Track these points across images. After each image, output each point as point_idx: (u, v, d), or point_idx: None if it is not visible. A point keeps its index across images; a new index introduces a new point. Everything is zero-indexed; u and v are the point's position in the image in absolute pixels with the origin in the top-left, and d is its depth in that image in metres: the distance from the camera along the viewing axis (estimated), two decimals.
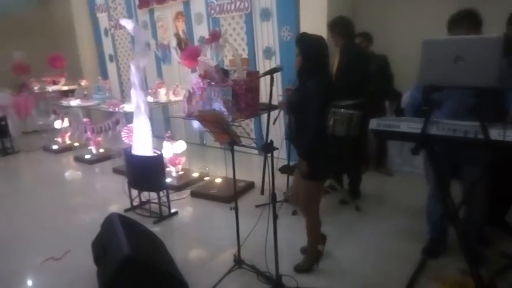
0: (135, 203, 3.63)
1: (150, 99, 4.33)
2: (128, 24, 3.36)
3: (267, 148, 2.06)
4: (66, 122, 5.95)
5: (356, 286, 2.37)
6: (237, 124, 2.67)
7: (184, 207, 3.68)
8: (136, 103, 3.32)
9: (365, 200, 3.54)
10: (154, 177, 3.37)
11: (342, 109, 2.95)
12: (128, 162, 3.51)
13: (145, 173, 3.38)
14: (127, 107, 4.38)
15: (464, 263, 2.02)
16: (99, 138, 5.44)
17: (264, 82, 4.04)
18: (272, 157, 2.10)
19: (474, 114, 1.67)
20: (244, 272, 2.50)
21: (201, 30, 5.31)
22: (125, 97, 6.71)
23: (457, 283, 2.26)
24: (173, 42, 5.82)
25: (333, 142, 2.46)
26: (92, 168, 5.18)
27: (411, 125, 1.81)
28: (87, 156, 5.42)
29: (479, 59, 1.57)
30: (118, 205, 3.67)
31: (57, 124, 5.98)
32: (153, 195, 3.50)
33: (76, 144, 5.98)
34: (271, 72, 2.15)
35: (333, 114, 2.89)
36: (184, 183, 4.14)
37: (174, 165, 4.27)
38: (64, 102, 5.45)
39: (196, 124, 3.56)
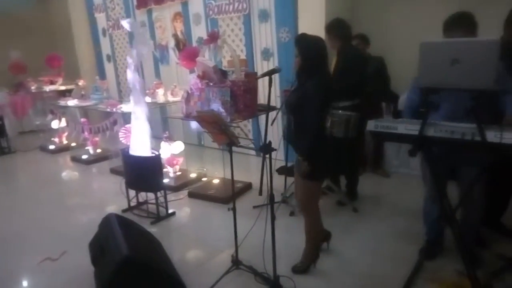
0: (133, 203, 3.63)
1: (148, 99, 4.32)
2: (126, 23, 3.37)
3: (265, 149, 2.06)
4: (63, 122, 5.92)
5: (354, 286, 2.38)
6: (235, 125, 2.67)
7: (181, 208, 3.68)
8: (133, 97, 3.32)
9: (362, 201, 3.55)
10: (151, 178, 3.36)
11: (340, 111, 2.96)
12: (126, 162, 3.51)
13: (143, 174, 3.37)
14: (124, 107, 4.38)
15: (461, 265, 2.03)
16: (97, 139, 5.42)
17: (262, 84, 4.04)
18: (270, 158, 2.10)
19: (471, 116, 1.68)
20: (242, 273, 2.50)
21: (199, 31, 5.31)
22: (122, 97, 6.71)
23: (454, 284, 2.27)
24: (171, 43, 5.82)
25: (331, 143, 2.47)
26: (89, 169, 5.16)
27: (408, 127, 1.82)
28: (84, 156, 5.40)
29: (476, 62, 1.58)
30: (115, 206, 3.66)
31: (54, 124, 5.96)
32: (151, 195, 3.50)
33: (73, 144, 5.95)
34: (270, 73, 2.16)
35: (330, 115, 2.89)
36: (181, 184, 4.14)
37: (172, 165, 4.26)
38: (62, 102, 5.44)
39: (194, 124, 3.56)
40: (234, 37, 4.94)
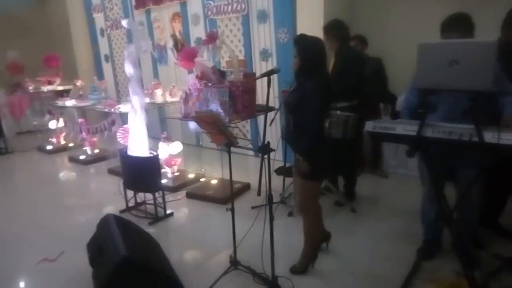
0: (131, 204, 3.62)
1: (146, 99, 4.32)
2: (125, 23, 3.37)
3: (263, 149, 2.07)
4: (61, 122, 5.90)
5: (352, 287, 2.38)
6: (234, 125, 2.68)
7: (179, 208, 3.67)
8: (132, 92, 3.32)
9: (360, 202, 3.56)
10: (149, 178, 3.36)
11: (338, 112, 2.96)
12: (124, 162, 3.50)
13: (141, 174, 3.37)
14: (122, 108, 4.37)
15: (458, 265, 2.04)
16: (94, 139, 5.41)
17: (260, 84, 4.04)
18: (268, 158, 2.11)
19: (469, 117, 1.69)
20: (240, 273, 2.50)
21: (198, 31, 5.30)
22: (120, 97, 6.70)
23: (451, 284, 2.27)
24: (170, 43, 5.81)
25: (329, 144, 2.48)
26: (87, 169, 5.15)
27: (406, 128, 1.83)
28: (82, 157, 5.39)
29: (474, 63, 1.59)
30: (113, 206, 3.65)
31: (52, 124, 5.94)
32: (149, 196, 3.49)
33: (71, 144, 5.94)
34: (268, 74, 2.17)
35: (329, 116, 2.90)
36: (180, 184, 4.14)
37: (170, 166, 4.26)
38: (59, 102, 5.41)
39: (193, 125, 3.56)
40: (232, 38, 4.94)
